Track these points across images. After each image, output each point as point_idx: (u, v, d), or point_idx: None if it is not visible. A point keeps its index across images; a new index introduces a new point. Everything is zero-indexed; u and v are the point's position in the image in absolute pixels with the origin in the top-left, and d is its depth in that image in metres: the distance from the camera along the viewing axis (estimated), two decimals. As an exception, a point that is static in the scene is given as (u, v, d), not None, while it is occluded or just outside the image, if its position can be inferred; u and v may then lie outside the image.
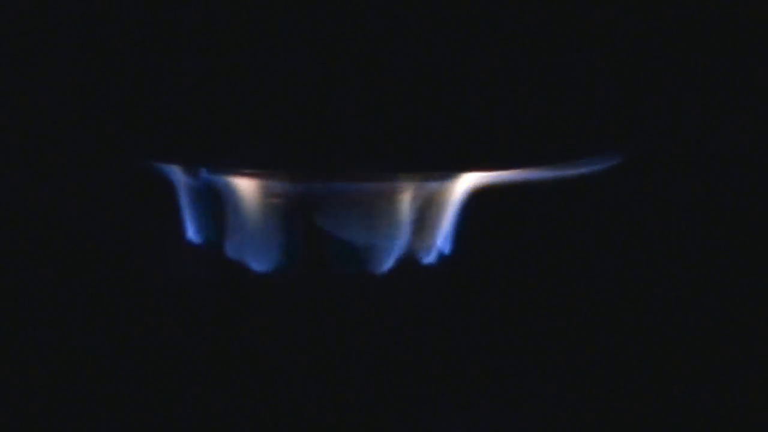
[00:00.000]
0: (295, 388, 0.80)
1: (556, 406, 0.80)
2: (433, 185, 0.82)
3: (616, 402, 0.81)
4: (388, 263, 0.82)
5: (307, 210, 0.81)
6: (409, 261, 0.82)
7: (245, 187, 0.81)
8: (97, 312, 0.85)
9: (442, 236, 0.83)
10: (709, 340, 0.85)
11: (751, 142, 0.86)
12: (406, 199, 0.82)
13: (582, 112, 0.80)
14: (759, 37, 0.84)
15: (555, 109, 0.79)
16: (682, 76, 0.84)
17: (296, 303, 0.82)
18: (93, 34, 0.81)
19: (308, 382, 0.80)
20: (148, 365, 0.82)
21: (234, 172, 0.81)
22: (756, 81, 0.85)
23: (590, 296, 0.86)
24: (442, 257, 0.84)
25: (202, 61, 0.77)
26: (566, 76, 0.79)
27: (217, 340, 0.82)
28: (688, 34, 0.84)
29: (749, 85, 0.85)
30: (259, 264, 0.82)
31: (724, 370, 0.83)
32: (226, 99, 0.77)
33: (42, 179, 0.87)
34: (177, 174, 0.83)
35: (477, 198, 0.83)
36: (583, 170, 0.82)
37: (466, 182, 0.82)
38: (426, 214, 0.82)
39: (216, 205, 0.83)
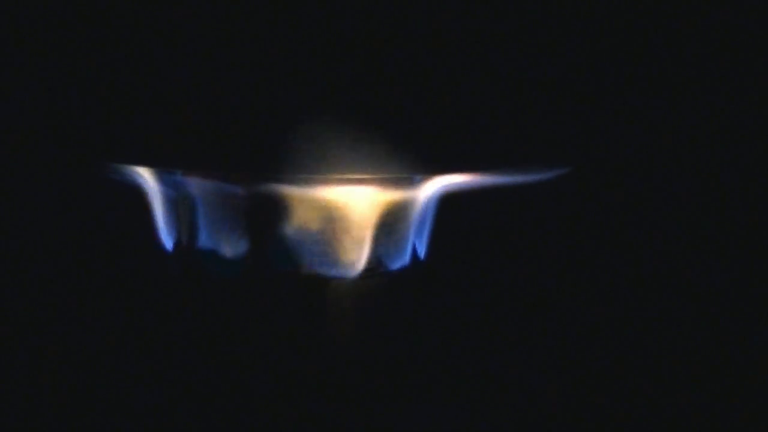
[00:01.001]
0: (265, 392, 0.81)
1: (536, 407, 0.81)
2: (398, 188, 0.82)
3: (600, 399, 0.82)
4: (357, 268, 0.81)
5: (275, 214, 0.81)
6: (378, 265, 0.82)
7: (210, 190, 0.81)
8: (69, 317, 0.85)
9: (413, 241, 0.83)
10: (704, 341, 0.86)
11: (707, 145, 0.86)
12: (372, 202, 0.81)
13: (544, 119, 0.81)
14: (711, 46, 0.85)
15: (521, 114, 0.80)
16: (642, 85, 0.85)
17: (263, 307, 0.82)
18: (62, 37, 0.81)
19: (278, 386, 0.81)
20: (122, 368, 0.82)
21: (197, 174, 0.81)
22: (709, 86, 0.85)
23: (568, 294, 0.86)
24: (414, 261, 0.83)
25: (168, 65, 0.78)
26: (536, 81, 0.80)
27: (190, 344, 0.82)
28: (643, 44, 0.84)
29: (703, 89, 0.85)
30: (226, 268, 0.82)
31: (692, 370, 0.84)
32: (192, 101, 0.78)
33: (12, 186, 0.86)
34: (146, 179, 0.83)
35: (447, 203, 0.83)
36: (546, 175, 0.82)
37: (432, 186, 0.82)
38: (394, 218, 0.82)
39: (184, 210, 0.82)
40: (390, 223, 0.82)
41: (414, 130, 0.78)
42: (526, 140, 0.82)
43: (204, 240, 0.82)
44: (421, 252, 0.84)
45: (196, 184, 0.81)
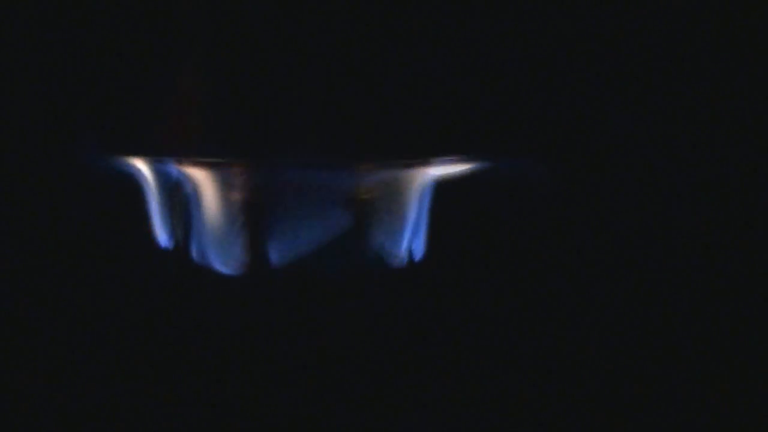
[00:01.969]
0: (263, 391, 0.80)
1: (536, 407, 0.81)
2: (391, 177, 0.81)
3: (600, 399, 0.82)
4: (353, 264, 0.81)
5: (270, 206, 0.80)
6: (375, 262, 0.82)
7: (208, 181, 0.81)
8: (64, 314, 0.85)
9: (409, 238, 0.83)
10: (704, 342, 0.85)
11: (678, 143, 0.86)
12: (371, 198, 0.81)
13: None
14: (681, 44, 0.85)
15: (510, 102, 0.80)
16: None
17: (259, 303, 0.82)
18: (56, 29, 0.81)
19: (275, 385, 0.80)
20: (117, 367, 0.82)
21: (195, 163, 0.80)
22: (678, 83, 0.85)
23: (568, 292, 0.86)
24: (411, 259, 0.83)
25: (163, 56, 0.78)
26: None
27: (188, 342, 0.82)
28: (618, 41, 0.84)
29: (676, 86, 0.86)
30: (223, 265, 0.81)
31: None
32: (186, 91, 0.78)
33: (5, 181, 0.85)
34: (143, 173, 0.82)
35: (444, 199, 0.83)
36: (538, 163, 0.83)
37: (427, 181, 0.82)
38: (390, 215, 0.82)
39: (179, 203, 0.82)
40: (387, 220, 0.82)
41: (408, 116, 0.78)
42: (517, 128, 0.82)
43: (200, 236, 0.81)
44: (418, 250, 0.84)
45: (190, 174, 0.80)
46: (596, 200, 0.85)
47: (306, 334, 0.81)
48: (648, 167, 0.85)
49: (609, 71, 0.84)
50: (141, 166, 0.82)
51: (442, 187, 0.82)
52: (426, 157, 0.81)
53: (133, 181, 0.82)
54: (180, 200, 0.82)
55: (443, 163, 0.81)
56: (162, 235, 0.83)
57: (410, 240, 0.83)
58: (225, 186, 0.80)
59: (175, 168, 0.81)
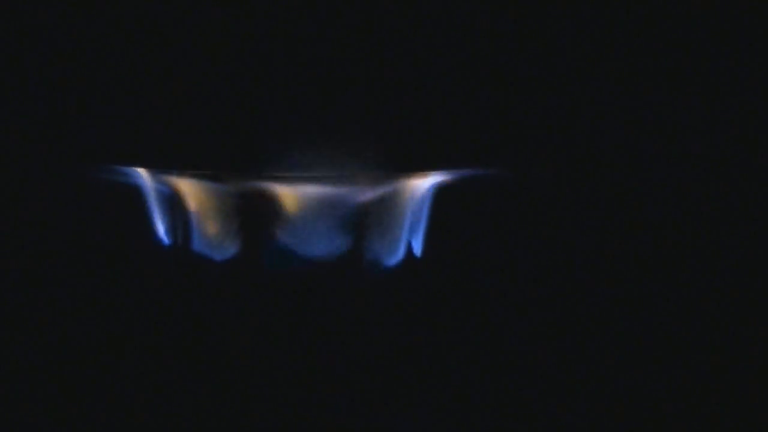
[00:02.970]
0: (261, 391, 0.80)
1: (535, 407, 0.81)
2: (389, 186, 0.81)
3: (600, 400, 0.82)
4: (351, 266, 0.81)
5: (267, 213, 0.81)
6: (373, 263, 0.82)
7: (206, 191, 0.81)
8: (64, 316, 0.85)
9: (407, 238, 0.83)
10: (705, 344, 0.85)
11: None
12: (366, 200, 0.81)
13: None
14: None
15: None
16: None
17: (257, 306, 0.82)
18: (55, 37, 0.81)
19: (274, 385, 0.81)
20: (116, 367, 0.82)
21: (194, 174, 0.81)
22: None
23: (567, 291, 0.86)
24: (409, 259, 0.83)
25: (160, 65, 0.79)
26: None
27: (185, 343, 0.83)
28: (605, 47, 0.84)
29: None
30: (222, 265, 0.82)
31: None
32: (185, 101, 0.79)
33: (5, 187, 0.86)
34: (141, 179, 0.83)
35: (443, 199, 0.83)
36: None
37: (425, 183, 0.82)
38: (388, 215, 0.82)
39: (179, 210, 0.82)
40: (384, 220, 0.82)
41: (404, 127, 0.78)
42: (517, 137, 0.82)
43: (199, 240, 0.82)
44: (417, 250, 0.84)
45: (190, 184, 0.81)
46: (594, 205, 0.85)
47: (304, 338, 0.82)
48: (647, 172, 0.85)
49: (606, 77, 0.83)
50: (140, 175, 0.82)
51: (441, 192, 0.83)
52: (424, 169, 0.81)
53: (132, 189, 0.83)
54: (178, 208, 0.82)
55: (442, 173, 0.82)
56: (161, 238, 0.83)
57: (408, 246, 0.83)
58: (224, 196, 0.81)
59: (174, 178, 0.81)
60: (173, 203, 0.83)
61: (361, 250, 0.81)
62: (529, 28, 0.82)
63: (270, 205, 0.80)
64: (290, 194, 0.80)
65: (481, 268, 0.85)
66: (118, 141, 0.81)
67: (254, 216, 0.81)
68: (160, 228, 0.83)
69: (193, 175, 0.81)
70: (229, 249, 0.81)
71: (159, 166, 0.81)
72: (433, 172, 0.82)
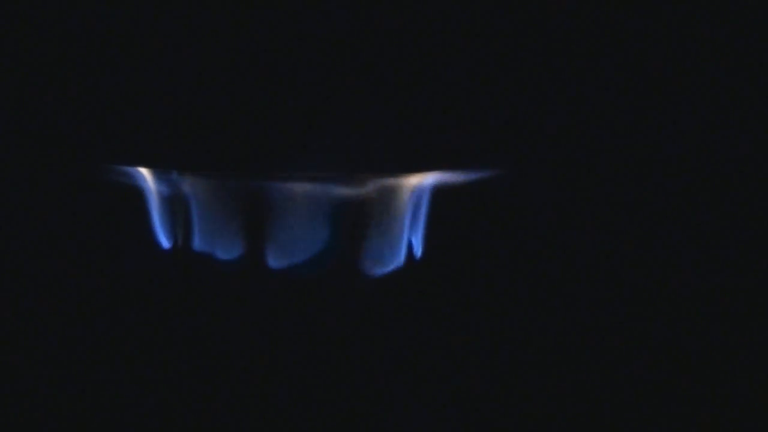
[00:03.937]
0: (262, 391, 0.81)
1: (535, 407, 0.81)
2: (389, 186, 0.81)
3: (600, 400, 0.82)
4: (352, 266, 0.81)
5: (270, 213, 0.81)
6: (373, 264, 0.82)
7: (207, 190, 0.81)
8: (64, 317, 0.85)
9: (408, 239, 0.83)
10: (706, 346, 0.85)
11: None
12: (368, 200, 0.81)
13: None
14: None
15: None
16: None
17: (259, 306, 0.82)
18: (56, 37, 0.81)
19: (274, 386, 0.81)
20: (117, 368, 0.82)
21: (195, 173, 0.81)
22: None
23: (567, 293, 0.86)
24: (409, 260, 0.83)
25: (162, 64, 0.79)
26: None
27: (187, 344, 0.83)
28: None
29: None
30: (223, 265, 0.82)
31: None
32: (187, 100, 0.79)
33: (5, 187, 0.86)
34: (143, 178, 0.82)
35: (443, 200, 0.83)
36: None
37: (426, 183, 0.83)
38: (389, 216, 0.82)
39: (180, 210, 0.82)
40: (385, 221, 0.82)
41: (404, 127, 0.79)
42: (515, 138, 0.82)
43: (200, 239, 0.82)
44: (417, 251, 0.84)
45: (191, 184, 0.81)
46: (594, 206, 0.85)
47: (302, 337, 0.82)
48: (647, 173, 0.85)
49: (606, 78, 0.84)
50: (142, 175, 0.83)
51: (441, 192, 0.83)
52: (424, 169, 0.81)
53: (134, 188, 0.83)
54: (180, 207, 0.82)
55: (441, 173, 0.82)
56: (162, 238, 0.84)
57: (408, 246, 0.83)
58: (225, 195, 0.81)
59: (175, 178, 0.81)
60: (174, 203, 0.83)
61: (361, 250, 0.82)
62: (529, 28, 0.82)
63: (270, 205, 0.81)
64: (290, 194, 0.80)
65: (481, 268, 0.85)
66: (119, 141, 0.81)
67: (254, 216, 0.81)
68: (161, 228, 0.83)
69: (194, 175, 0.81)
70: (229, 249, 0.81)
71: (159, 166, 0.81)
72: (433, 172, 0.82)
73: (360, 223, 0.81)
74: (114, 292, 0.84)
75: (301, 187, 0.80)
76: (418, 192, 0.82)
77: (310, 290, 0.81)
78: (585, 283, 0.85)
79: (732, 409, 0.82)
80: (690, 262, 0.85)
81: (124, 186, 0.83)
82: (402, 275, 0.83)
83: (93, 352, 0.83)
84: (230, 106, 0.79)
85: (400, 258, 0.83)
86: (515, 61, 0.82)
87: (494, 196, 0.84)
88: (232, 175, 0.80)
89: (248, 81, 0.79)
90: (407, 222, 0.82)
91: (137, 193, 0.83)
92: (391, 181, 0.81)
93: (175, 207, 0.83)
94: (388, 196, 0.82)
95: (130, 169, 0.82)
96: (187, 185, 0.81)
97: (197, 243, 0.82)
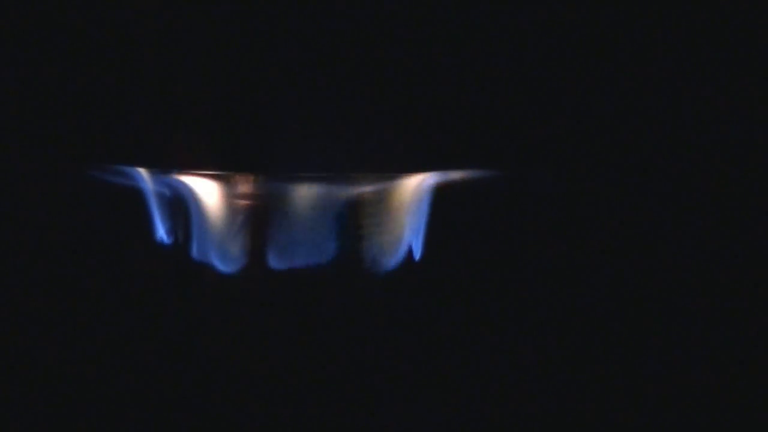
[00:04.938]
0: (261, 391, 0.81)
1: (534, 407, 0.82)
2: (390, 186, 0.81)
3: (599, 400, 0.82)
4: (353, 266, 0.81)
5: (270, 213, 0.81)
6: (374, 264, 0.82)
7: (208, 191, 0.81)
8: (64, 317, 0.85)
9: (408, 239, 0.83)
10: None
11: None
12: (367, 200, 0.81)
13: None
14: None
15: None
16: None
17: (259, 306, 0.82)
18: (56, 37, 0.81)
19: (274, 386, 0.81)
20: (116, 368, 0.82)
21: (196, 174, 0.81)
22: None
23: (567, 294, 0.86)
24: (409, 260, 0.83)
25: (163, 65, 0.79)
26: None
27: (186, 344, 0.83)
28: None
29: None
30: (223, 265, 0.82)
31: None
32: (187, 101, 0.79)
33: (5, 187, 0.86)
34: (143, 178, 0.82)
35: (443, 200, 0.83)
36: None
37: (426, 183, 0.82)
38: (389, 216, 0.82)
39: (180, 210, 0.82)
40: (385, 221, 0.82)
41: (404, 127, 0.78)
42: (517, 138, 0.82)
43: (200, 240, 0.82)
44: (417, 250, 0.84)
45: (191, 184, 0.81)
46: (594, 206, 0.85)
47: (304, 338, 0.82)
48: (647, 173, 0.85)
49: (606, 78, 0.83)
50: (141, 175, 0.82)
51: (441, 192, 0.83)
52: (424, 169, 0.81)
53: (134, 188, 0.83)
54: (181, 207, 0.82)
55: (441, 173, 0.82)
56: (163, 238, 0.84)
57: (409, 246, 0.83)
58: (225, 195, 0.81)
59: (175, 178, 0.81)
60: (174, 204, 0.83)
61: (361, 250, 0.81)
62: (529, 29, 0.82)
63: (270, 206, 0.81)
64: (290, 194, 0.80)
65: (481, 267, 0.85)
66: (119, 141, 0.81)
67: (255, 216, 0.81)
68: (161, 228, 0.83)
69: (194, 176, 0.81)
70: (229, 249, 0.81)
71: (159, 166, 0.81)
72: (433, 172, 0.82)
73: (360, 223, 0.81)
74: (114, 292, 0.84)
75: (301, 187, 0.80)
76: (418, 192, 0.82)
77: (311, 290, 0.81)
78: (585, 283, 0.85)
79: (732, 409, 0.82)
80: (690, 262, 0.85)
81: (124, 186, 0.83)
82: (402, 275, 0.82)
83: (93, 352, 0.83)
84: (230, 107, 0.79)
85: (400, 258, 0.82)
86: (515, 61, 0.82)
87: (494, 196, 0.84)
88: (231, 177, 0.80)
89: (248, 81, 0.79)
90: (407, 222, 0.82)
91: (137, 193, 0.83)
92: (391, 181, 0.81)
93: (175, 207, 0.83)
94: (388, 196, 0.82)
95: (129, 169, 0.82)
96: (187, 185, 0.81)
97: (197, 243, 0.82)
